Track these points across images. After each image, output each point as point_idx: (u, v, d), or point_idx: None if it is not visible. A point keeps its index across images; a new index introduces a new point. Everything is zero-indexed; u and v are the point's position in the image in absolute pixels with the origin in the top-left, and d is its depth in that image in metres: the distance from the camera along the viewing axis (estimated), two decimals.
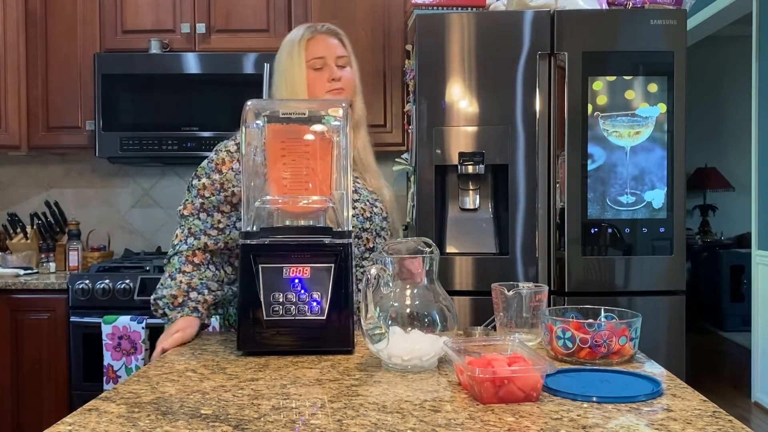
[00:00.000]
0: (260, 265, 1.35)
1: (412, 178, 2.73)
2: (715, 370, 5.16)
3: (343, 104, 1.44)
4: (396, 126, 3.14)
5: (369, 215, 1.68)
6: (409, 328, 1.22)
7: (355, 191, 1.69)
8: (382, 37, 3.09)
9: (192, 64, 3.05)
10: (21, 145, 3.15)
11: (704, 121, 6.80)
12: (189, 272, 1.57)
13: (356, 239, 1.66)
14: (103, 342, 2.69)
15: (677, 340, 2.55)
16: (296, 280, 1.34)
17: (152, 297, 1.59)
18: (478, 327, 1.61)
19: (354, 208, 1.65)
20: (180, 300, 1.55)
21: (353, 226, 1.63)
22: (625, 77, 2.54)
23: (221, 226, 1.62)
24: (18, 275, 3.02)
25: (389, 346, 1.21)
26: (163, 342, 1.48)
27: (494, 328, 1.52)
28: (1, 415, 2.86)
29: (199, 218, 1.62)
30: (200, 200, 1.62)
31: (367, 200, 1.70)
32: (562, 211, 2.54)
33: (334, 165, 1.42)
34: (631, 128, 2.53)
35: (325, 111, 1.44)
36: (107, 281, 2.79)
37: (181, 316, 1.53)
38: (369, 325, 1.24)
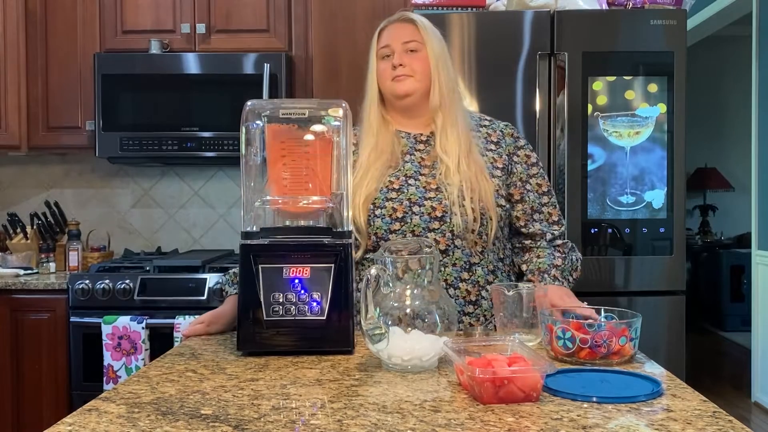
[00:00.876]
0: (260, 266, 1.35)
1: None
2: (715, 370, 5.16)
3: (343, 104, 1.44)
4: None
5: (401, 215, 1.58)
6: (409, 328, 1.22)
7: (398, 189, 1.61)
8: None
9: (192, 64, 3.05)
10: (21, 145, 3.15)
11: (704, 121, 6.80)
12: None
13: (382, 241, 1.57)
14: (103, 342, 2.69)
15: (677, 340, 2.56)
16: (296, 281, 1.34)
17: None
18: (478, 327, 1.61)
19: (381, 207, 1.59)
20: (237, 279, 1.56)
21: (378, 228, 1.58)
22: (625, 77, 2.54)
23: None
24: (18, 275, 3.02)
25: (389, 346, 1.21)
26: (184, 330, 1.53)
27: (494, 328, 1.52)
28: (1, 415, 2.86)
29: None
30: None
31: (409, 199, 1.59)
32: (562, 211, 2.54)
33: (334, 165, 1.42)
34: (631, 128, 2.54)
35: (324, 111, 1.44)
36: (107, 281, 2.79)
37: (235, 293, 1.55)
38: (369, 325, 1.24)
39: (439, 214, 1.58)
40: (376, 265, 1.26)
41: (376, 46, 1.68)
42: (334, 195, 1.42)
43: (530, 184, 1.70)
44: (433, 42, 1.64)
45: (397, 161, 1.65)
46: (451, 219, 1.57)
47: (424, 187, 1.61)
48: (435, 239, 1.57)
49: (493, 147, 1.70)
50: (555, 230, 1.71)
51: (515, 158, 1.71)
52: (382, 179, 1.62)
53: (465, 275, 1.60)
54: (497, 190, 1.63)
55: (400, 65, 1.63)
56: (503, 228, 1.68)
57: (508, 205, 1.67)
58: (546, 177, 1.75)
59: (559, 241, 1.72)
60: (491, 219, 1.60)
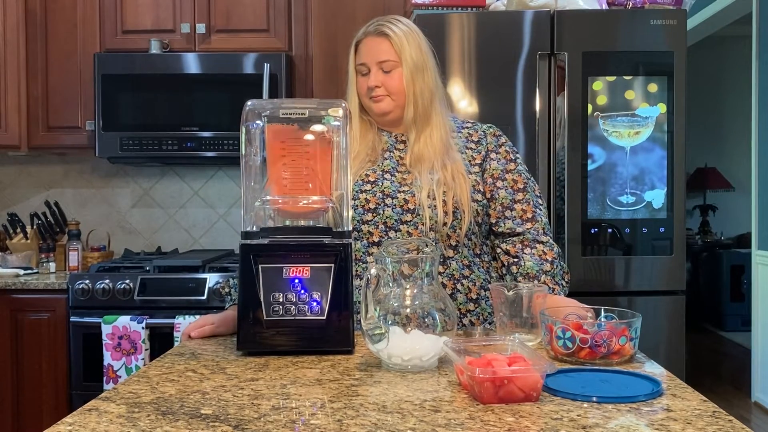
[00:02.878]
0: (260, 265, 1.35)
1: None
2: (715, 370, 5.16)
3: (343, 104, 1.44)
4: None
5: (374, 207, 1.61)
6: (409, 328, 1.22)
7: (373, 182, 1.63)
8: None
9: (192, 64, 3.06)
10: (21, 145, 3.16)
11: (704, 121, 6.80)
12: None
13: (355, 232, 1.60)
14: (103, 342, 2.69)
15: (677, 340, 2.56)
16: (296, 280, 1.34)
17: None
18: (478, 327, 1.61)
19: (355, 199, 1.61)
20: None
21: (352, 218, 1.59)
22: (625, 77, 2.54)
23: None
24: (18, 275, 3.02)
25: (389, 346, 1.21)
26: (191, 331, 1.52)
27: (494, 328, 1.52)
28: (1, 415, 2.86)
29: None
30: None
31: (382, 191, 1.61)
32: (562, 211, 2.54)
33: (334, 165, 1.42)
34: (631, 128, 2.54)
35: (325, 111, 1.44)
36: (107, 281, 2.79)
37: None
38: (369, 325, 1.24)
39: (411, 207, 1.60)
40: (376, 265, 1.26)
41: (354, 61, 1.69)
42: (333, 195, 1.42)
43: (505, 180, 1.68)
44: (407, 55, 1.63)
45: (376, 157, 1.68)
46: (422, 213, 1.59)
47: (399, 182, 1.64)
48: (407, 231, 1.59)
49: (473, 146, 1.71)
50: (528, 228, 1.66)
51: (493, 155, 1.70)
52: (358, 173, 1.65)
53: (440, 269, 1.61)
54: (474, 186, 1.65)
55: (376, 86, 1.64)
56: (481, 224, 1.67)
57: (485, 201, 1.67)
58: (525, 175, 1.70)
59: (543, 238, 1.66)
60: (464, 213, 1.60)
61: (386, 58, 1.64)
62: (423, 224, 1.59)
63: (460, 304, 1.62)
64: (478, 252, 1.69)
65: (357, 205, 1.61)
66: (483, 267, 1.69)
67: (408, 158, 1.66)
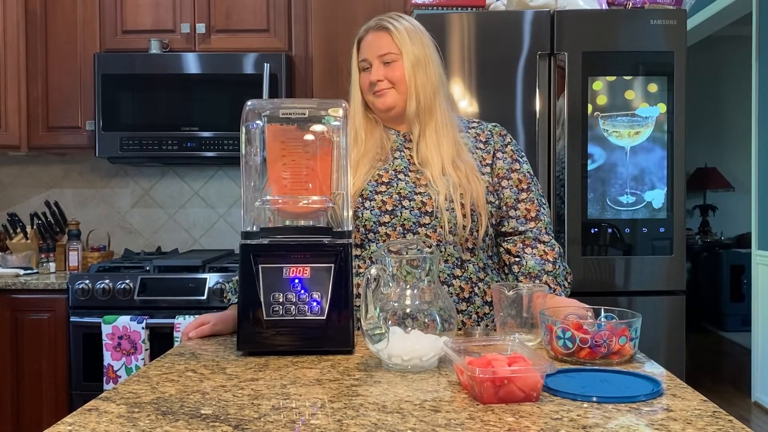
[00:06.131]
0: (260, 266, 1.35)
1: None
2: (715, 370, 5.16)
3: (343, 104, 1.44)
4: None
5: (391, 208, 1.59)
6: (409, 328, 1.22)
7: (388, 183, 1.61)
8: None
9: (192, 64, 3.06)
10: (21, 145, 3.16)
11: (704, 121, 6.80)
12: None
13: (371, 233, 1.59)
14: (103, 342, 2.69)
15: (677, 340, 2.56)
16: (296, 280, 1.34)
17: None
18: (478, 327, 1.61)
19: (371, 200, 1.59)
20: None
21: (367, 220, 1.59)
22: (625, 77, 2.54)
23: None
24: (18, 275, 3.02)
25: (389, 346, 1.21)
26: (190, 331, 1.52)
27: (494, 328, 1.52)
28: (1, 415, 2.86)
29: None
30: None
31: (399, 193, 1.60)
32: (562, 211, 2.54)
33: (334, 165, 1.42)
34: (631, 128, 2.54)
35: (325, 111, 1.44)
36: (107, 281, 2.79)
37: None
38: (369, 325, 1.24)
39: (429, 210, 1.59)
40: (376, 265, 1.26)
41: (356, 58, 1.69)
42: (333, 195, 1.42)
43: (510, 180, 1.68)
44: (408, 48, 1.63)
45: (386, 155, 1.66)
46: (440, 216, 1.58)
47: (414, 183, 1.62)
48: (426, 234, 1.58)
49: (481, 146, 1.70)
50: (530, 227, 1.66)
51: (499, 155, 1.70)
52: (371, 173, 1.63)
53: (458, 272, 1.60)
54: (487, 187, 1.64)
55: (378, 80, 1.63)
56: (494, 225, 1.67)
57: (497, 201, 1.67)
58: (529, 175, 1.71)
59: (545, 238, 1.66)
60: (481, 216, 1.60)
61: (387, 51, 1.63)
62: (441, 227, 1.58)
63: (478, 307, 1.61)
64: (490, 254, 1.69)
65: (373, 206, 1.60)
66: (495, 269, 1.69)
67: (415, 155, 1.65)
